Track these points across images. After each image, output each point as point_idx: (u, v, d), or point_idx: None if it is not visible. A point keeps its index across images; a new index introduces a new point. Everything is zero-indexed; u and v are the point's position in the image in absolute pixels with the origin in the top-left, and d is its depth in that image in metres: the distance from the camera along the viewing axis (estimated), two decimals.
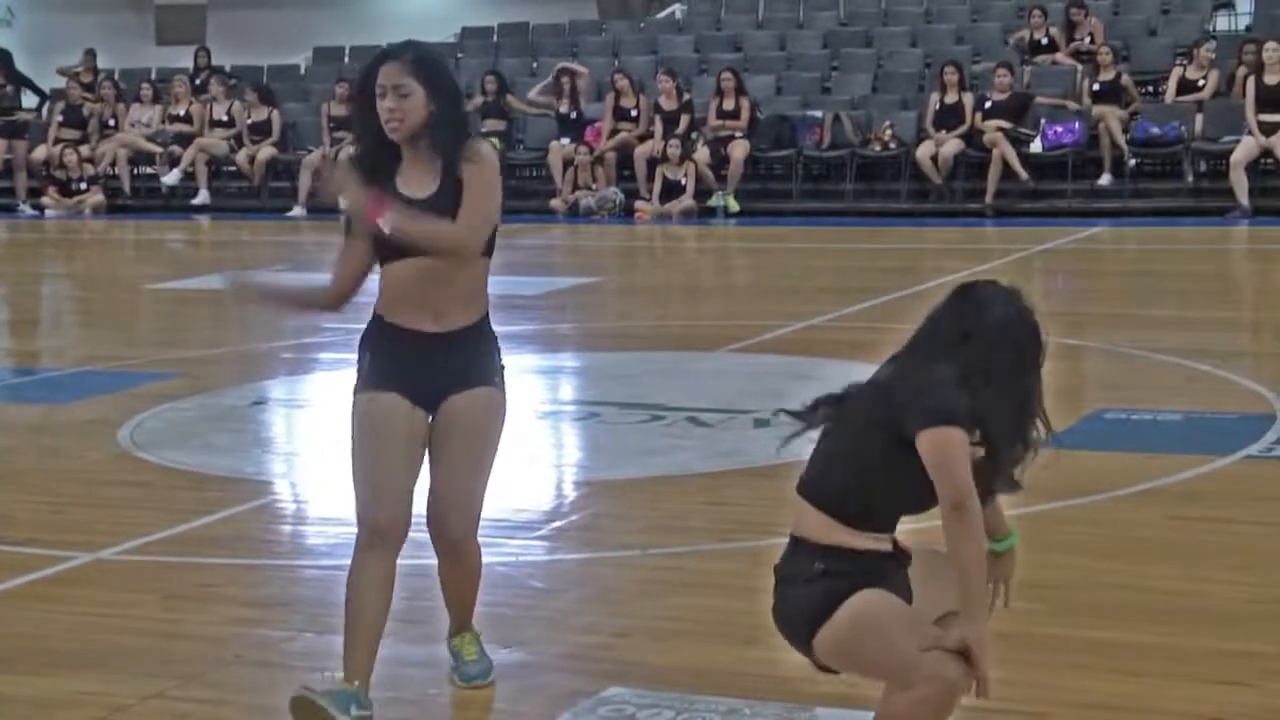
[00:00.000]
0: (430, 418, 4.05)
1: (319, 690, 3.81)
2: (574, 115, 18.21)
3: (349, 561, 5.48)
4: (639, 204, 17.29)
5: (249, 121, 19.31)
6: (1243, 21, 19.03)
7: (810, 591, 3.34)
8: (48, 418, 7.99)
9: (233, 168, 19.52)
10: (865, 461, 3.34)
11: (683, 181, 17.13)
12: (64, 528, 5.91)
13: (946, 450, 3.25)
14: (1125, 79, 16.71)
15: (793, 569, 3.40)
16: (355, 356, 4.12)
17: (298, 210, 18.32)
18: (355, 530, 5.80)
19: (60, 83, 20.96)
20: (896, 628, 3.30)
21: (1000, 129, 16.37)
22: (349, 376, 4.15)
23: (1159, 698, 4.08)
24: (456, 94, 4.04)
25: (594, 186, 17.72)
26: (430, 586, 5.17)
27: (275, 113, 19.27)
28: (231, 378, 8.80)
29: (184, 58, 21.72)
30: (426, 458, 4.10)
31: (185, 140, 19.47)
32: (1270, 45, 15.50)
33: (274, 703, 4.22)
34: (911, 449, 3.27)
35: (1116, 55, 16.98)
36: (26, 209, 19.48)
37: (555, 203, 17.79)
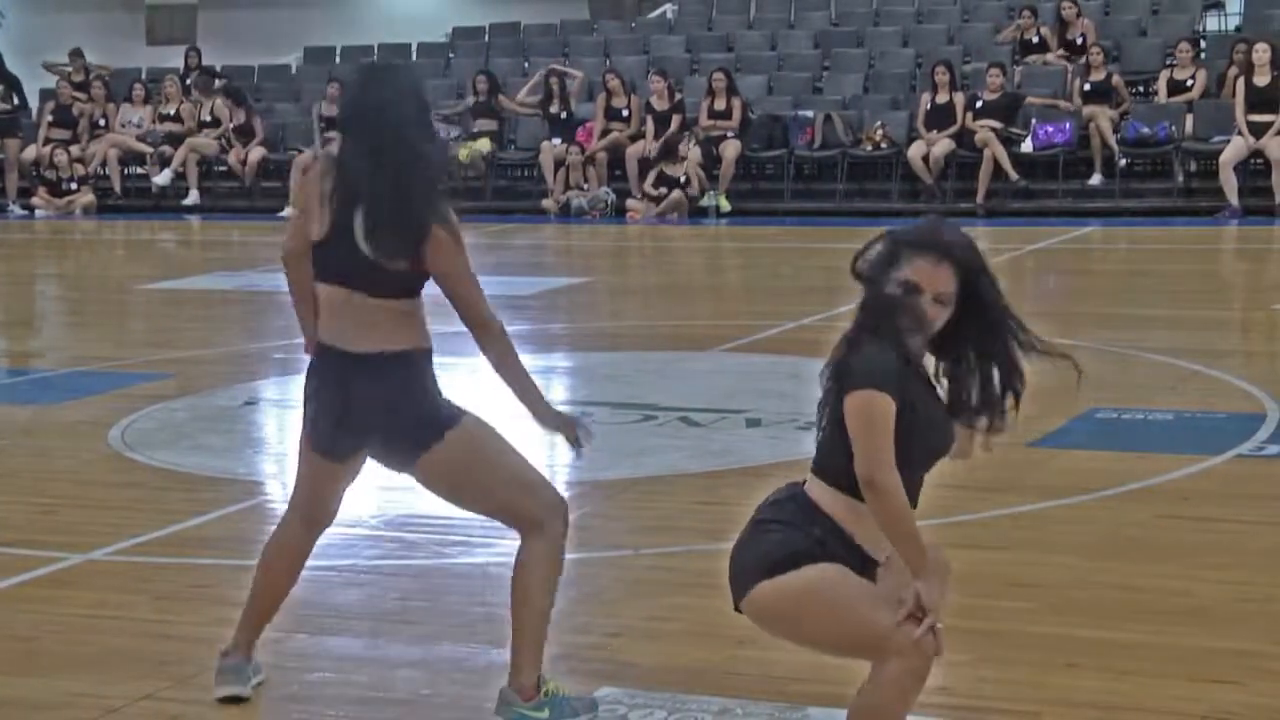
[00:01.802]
0: None
1: None
2: (565, 115, 18.21)
3: (340, 562, 5.49)
4: (630, 203, 17.29)
5: (232, 125, 19.29)
6: (1233, 22, 19.06)
7: (789, 541, 3.32)
8: (38, 418, 7.98)
9: (224, 168, 19.51)
10: (841, 433, 3.31)
11: (682, 179, 17.10)
12: (55, 529, 5.91)
13: (865, 415, 3.25)
14: (1116, 79, 16.74)
15: (784, 516, 3.37)
16: None
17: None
18: (344, 531, 5.82)
19: (49, 82, 20.92)
20: (854, 600, 3.29)
21: (991, 129, 16.39)
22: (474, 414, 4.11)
23: (1149, 696, 4.09)
24: None
25: (585, 186, 17.72)
26: (422, 588, 5.18)
27: (253, 115, 19.25)
28: (222, 378, 8.79)
29: (175, 57, 21.69)
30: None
31: (176, 140, 19.45)
32: (1260, 46, 15.53)
33: (266, 704, 4.23)
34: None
35: (1107, 55, 17.00)
36: (16, 209, 19.43)
37: (547, 203, 17.79)
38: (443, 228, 3.91)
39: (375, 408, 3.93)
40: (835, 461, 3.34)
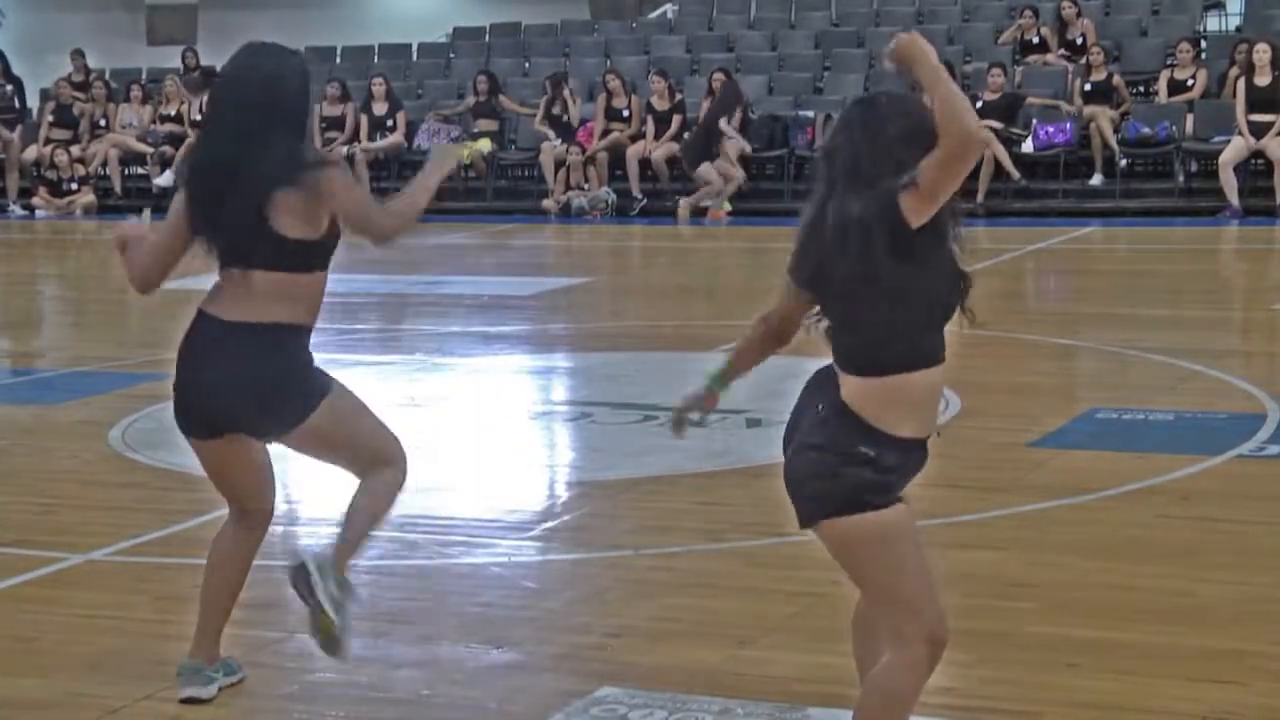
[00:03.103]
0: None
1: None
2: (565, 116, 18.22)
3: None
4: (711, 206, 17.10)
5: None
6: (1233, 22, 19.06)
7: (835, 462, 3.26)
8: (39, 418, 7.98)
9: None
10: (869, 301, 3.27)
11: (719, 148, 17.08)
12: (55, 529, 5.91)
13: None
14: (1116, 79, 16.74)
15: (828, 437, 3.30)
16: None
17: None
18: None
19: (49, 82, 20.92)
20: (903, 560, 3.27)
21: (992, 129, 16.37)
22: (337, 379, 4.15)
23: (1150, 696, 4.09)
24: None
25: (586, 186, 17.72)
26: (423, 588, 5.18)
27: None
28: None
29: (175, 58, 21.70)
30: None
31: (176, 140, 19.46)
32: (1261, 46, 15.53)
33: (267, 704, 4.23)
34: (901, 260, 3.22)
35: (1107, 55, 17.00)
36: (17, 209, 19.44)
37: (547, 203, 17.79)
38: (307, 178, 3.93)
39: (241, 375, 3.96)
40: (864, 340, 3.29)
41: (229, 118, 4.03)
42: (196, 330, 4.04)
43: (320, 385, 4.05)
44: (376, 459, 4.11)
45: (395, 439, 4.17)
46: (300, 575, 3.99)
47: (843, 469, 3.28)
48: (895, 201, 3.24)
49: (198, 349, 4.02)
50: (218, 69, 18.62)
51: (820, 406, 3.36)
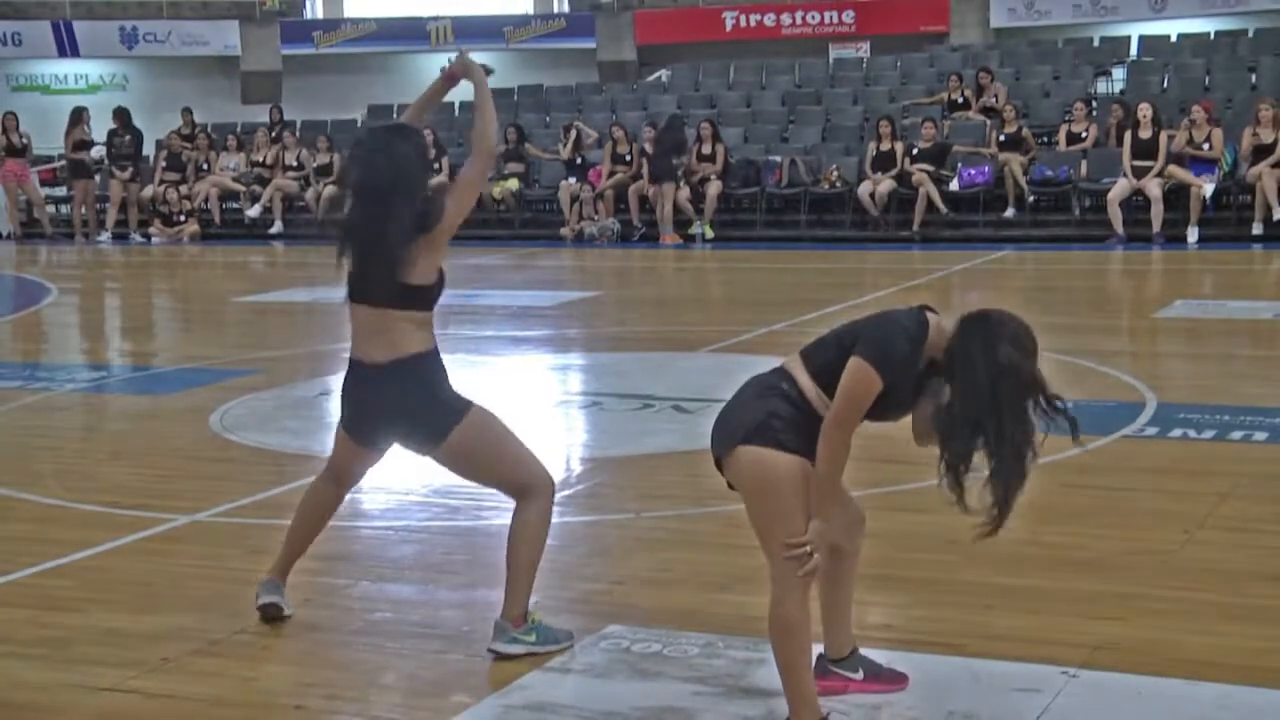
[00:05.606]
0: None
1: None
2: (579, 160, 18.21)
3: (396, 523, 5.49)
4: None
5: (315, 165, 19.30)
6: (1118, 86, 19.08)
7: (761, 406, 3.32)
8: (154, 405, 7.98)
9: (302, 203, 19.51)
10: (838, 362, 3.28)
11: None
12: (167, 495, 5.91)
13: (857, 381, 3.21)
14: (1025, 131, 16.74)
15: (761, 382, 3.37)
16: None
17: None
18: (400, 498, 5.82)
19: (163, 134, 20.95)
20: (792, 510, 3.30)
21: (925, 171, 16.38)
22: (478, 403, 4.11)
23: (1052, 630, 4.10)
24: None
25: (596, 217, 17.71)
26: (463, 544, 5.18)
27: (337, 157, 19.28)
28: (303, 373, 8.79)
29: (264, 114, 21.70)
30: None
31: (264, 181, 19.47)
32: (1143, 106, 15.55)
33: (337, 638, 4.23)
34: None
35: (1018, 112, 17.00)
36: (136, 237, 19.50)
37: (564, 231, 17.78)
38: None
39: (398, 406, 3.95)
40: (824, 360, 3.32)
41: (363, 192, 3.97)
42: (355, 376, 4.01)
43: (458, 405, 3.98)
44: (522, 486, 4.00)
45: (539, 466, 4.05)
46: (502, 657, 3.93)
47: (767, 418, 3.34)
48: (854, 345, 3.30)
49: (361, 390, 3.99)
50: (298, 124, 18.53)
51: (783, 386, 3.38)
